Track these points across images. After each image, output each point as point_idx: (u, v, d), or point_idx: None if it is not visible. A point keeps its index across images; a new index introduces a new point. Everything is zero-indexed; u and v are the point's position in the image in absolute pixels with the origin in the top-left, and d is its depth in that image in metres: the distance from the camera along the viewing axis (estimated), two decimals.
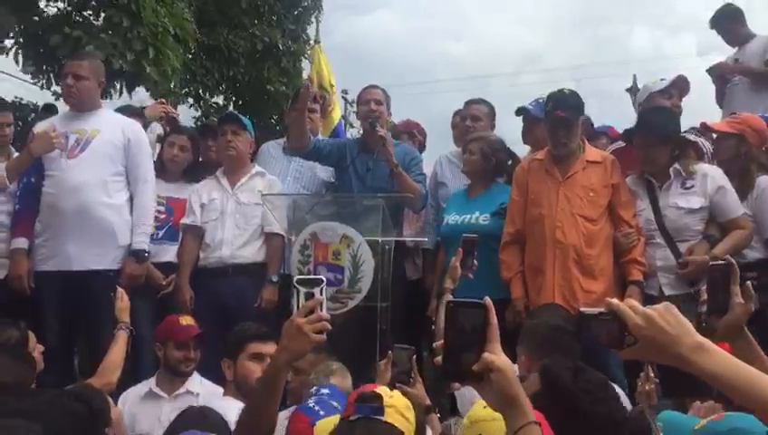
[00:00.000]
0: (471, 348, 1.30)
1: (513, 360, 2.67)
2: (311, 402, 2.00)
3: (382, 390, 1.77)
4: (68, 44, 5.62)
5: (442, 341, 1.33)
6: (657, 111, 3.82)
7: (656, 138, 3.52)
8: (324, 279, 1.91)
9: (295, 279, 1.93)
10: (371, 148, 4.05)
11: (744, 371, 1.24)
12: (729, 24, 5.03)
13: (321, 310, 1.83)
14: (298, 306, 1.85)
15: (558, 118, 3.57)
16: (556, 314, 2.87)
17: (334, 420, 1.82)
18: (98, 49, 5.27)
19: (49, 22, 5.99)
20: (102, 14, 6.05)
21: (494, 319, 1.31)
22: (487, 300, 1.33)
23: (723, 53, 5.27)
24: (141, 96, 6.12)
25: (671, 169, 3.52)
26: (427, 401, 2.64)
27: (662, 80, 4.36)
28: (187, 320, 3.33)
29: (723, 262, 1.96)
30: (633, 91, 4.56)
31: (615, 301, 1.30)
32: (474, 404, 1.85)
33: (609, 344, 1.32)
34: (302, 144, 4.02)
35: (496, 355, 1.27)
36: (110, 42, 5.54)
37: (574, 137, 3.59)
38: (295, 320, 1.82)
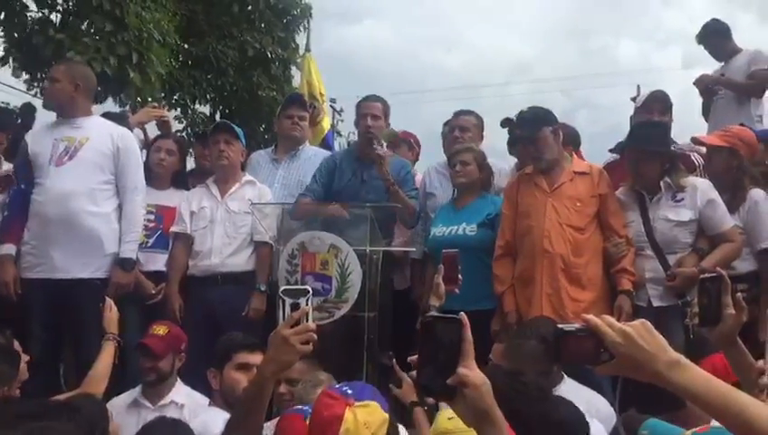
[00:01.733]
0: (447, 363, 1.29)
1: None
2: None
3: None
4: (50, 46, 5.59)
5: (417, 356, 1.33)
6: (649, 125, 3.85)
7: (646, 152, 3.55)
8: (310, 289, 1.91)
9: (281, 289, 1.92)
10: (365, 160, 4.06)
11: (719, 387, 1.25)
12: (716, 39, 5.11)
13: (308, 320, 1.82)
14: (284, 317, 1.84)
15: (519, 137, 3.69)
16: (543, 326, 2.87)
17: None
18: (79, 54, 5.24)
19: (34, 26, 5.95)
20: (87, 20, 6.02)
21: (468, 334, 1.30)
22: (462, 316, 1.32)
23: (707, 66, 5.35)
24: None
25: (662, 183, 3.55)
26: (413, 398, 2.66)
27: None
28: (158, 329, 3.26)
29: (714, 274, 1.98)
30: (636, 100, 4.64)
31: (592, 317, 1.31)
32: (439, 414, 1.85)
33: (585, 360, 1.33)
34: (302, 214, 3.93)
35: (471, 370, 1.27)
36: (94, 46, 5.51)
37: (545, 148, 3.63)
38: (281, 331, 1.80)
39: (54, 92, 3.77)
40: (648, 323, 1.30)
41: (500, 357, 2.65)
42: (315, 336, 1.83)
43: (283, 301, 1.85)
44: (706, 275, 2.00)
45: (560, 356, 1.34)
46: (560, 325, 1.34)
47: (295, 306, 1.83)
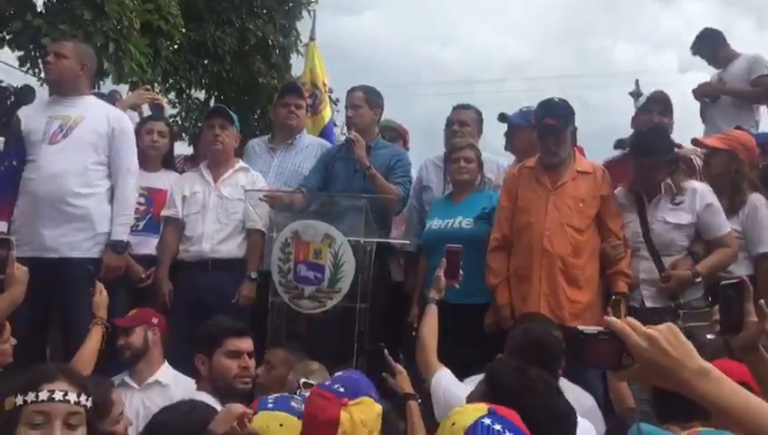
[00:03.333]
0: None
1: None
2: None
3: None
4: (27, 32, 5.50)
5: None
6: (652, 132, 3.78)
7: (655, 163, 3.52)
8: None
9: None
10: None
11: (749, 400, 1.19)
12: (711, 48, 5.14)
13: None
14: None
15: (546, 126, 3.56)
16: (541, 326, 2.84)
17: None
18: (55, 41, 5.15)
19: (16, 5, 5.82)
20: (67, 6, 5.90)
21: None
22: None
23: (703, 70, 5.37)
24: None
25: (662, 184, 3.53)
26: (408, 389, 2.66)
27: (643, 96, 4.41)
28: (133, 311, 3.31)
29: (735, 280, 1.92)
30: (636, 95, 4.58)
31: (615, 320, 1.25)
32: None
33: (605, 364, 1.28)
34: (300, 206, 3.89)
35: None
36: (71, 33, 5.41)
37: (563, 145, 3.58)
38: None
39: (61, 69, 3.70)
40: (676, 327, 1.24)
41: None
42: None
43: None
44: (727, 281, 1.94)
45: (579, 359, 1.27)
46: (581, 328, 1.28)
47: None
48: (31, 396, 1.62)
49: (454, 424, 1.61)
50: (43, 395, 1.63)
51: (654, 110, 4.14)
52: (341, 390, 1.80)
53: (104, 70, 5.57)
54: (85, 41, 5.21)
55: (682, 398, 1.22)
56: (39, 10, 5.84)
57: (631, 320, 1.26)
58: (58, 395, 1.64)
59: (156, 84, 7.26)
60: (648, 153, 3.54)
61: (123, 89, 6.06)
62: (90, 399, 1.70)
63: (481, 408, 1.63)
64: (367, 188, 3.85)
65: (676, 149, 3.71)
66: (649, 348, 1.20)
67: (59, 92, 3.78)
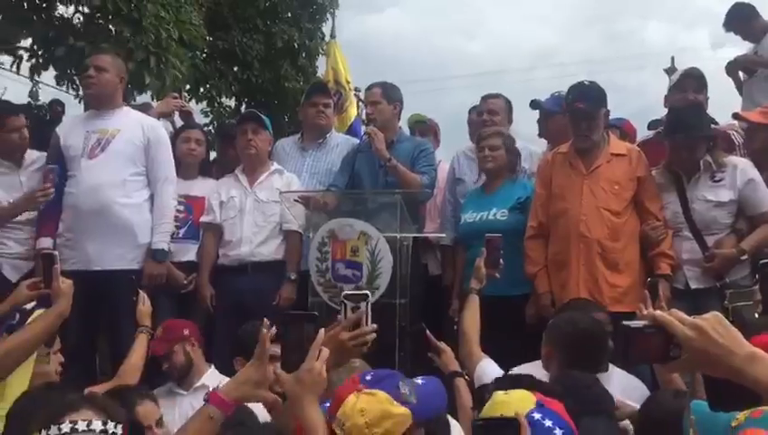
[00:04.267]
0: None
1: (537, 356, 2.67)
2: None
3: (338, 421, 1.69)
4: (73, 55, 5.62)
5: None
6: (688, 109, 3.69)
7: (692, 140, 3.44)
8: (370, 294, 1.96)
9: (343, 294, 1.97)
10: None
11: None
12: (743, 22, 5.01)
13: (367, 323, 1.88)
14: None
15: (578, 109, 3.52)
16: (585, 315, 2.80)
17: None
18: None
19: (57, 29, 5.97)
20: (106, 24, 6.02)
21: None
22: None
23: (737, 45, 5.24)
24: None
25: (701, 162, 3.46)
26: (454, 367, 2.67)
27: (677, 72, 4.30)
28: (157, 332, 3.25)
29: None
30: (670, 72, 4.48)
31: (659, 313, 1.24)
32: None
33: (653, 358, 1.28)
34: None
35: None
36: (114, 51, 5.53)
37: (596, 128, 3.52)
38: (339, 335, 1.85)
39: (102, 83, 3.76)
40: (722, 315, 1.23)
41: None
42: (373, 337, 1.89)
43: (345, 305, 1.90)
44: (766, 260, 1.89)
45: (627, 355, 1.26)
46: (625, 322, 1.26)
47: (356, 311, 1.89)
48: (54, 430, 1.53)
49: (501, 416, 1.60)
50: (66, 427, 1.54)
51: (688, 87, 4.04)
52: (368, 378, 1.78)
53: (147, 84, 5.68)
54: (126, 57, 5.34)
55: (734, 385, 1.21)
56: (80, 31, 5.96)
57: (676, 311, 1.25)
58: (81, 425, 1.54)
59: (185, 93, 7.34)
60: (685, 130, 3.46)
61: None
62: (118, 425, 1.59)
63: (528, 398, 1.60)
64: (392, 182, 3.85)
65: (713, 126, 3.62)
66: (697, 338, 1.19)
67: (96, 106, 3.86)
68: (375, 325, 1.89)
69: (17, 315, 2.67)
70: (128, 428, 1.64)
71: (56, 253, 2.74)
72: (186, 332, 3.24)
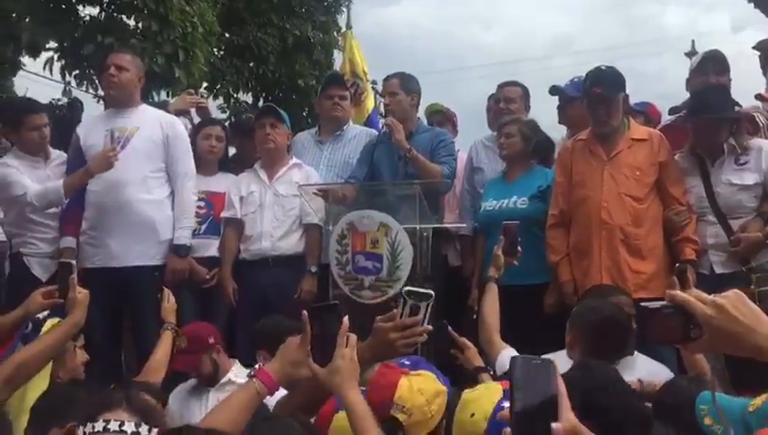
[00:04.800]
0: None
1: (556, 345, 2.66)
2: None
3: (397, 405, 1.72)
4: (101, 52, 5.68)
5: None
6: (711, 90, 3.64)
7: (715, 121, 3.39)
8: (432, 294, 1.89)
9: (405, 289, 1.92)
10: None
11: None
12: None
13: (423, 323, 1.83)
14: (402, 316, 1.84)
15: (595, 95, 3.48)
16: (607, 302, 2.78)
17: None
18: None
19: (84, 28, 6.04)
20: (133, 20, 6.08)
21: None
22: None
23: (757, 28, 5.13)
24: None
25: (725, 145, 3.40)
26: (478, 363, 2.66)
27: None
28: (179, 344, 3.16)
29: None
30: (692, 55, 4.40)
31: (678, 292, 1.22)
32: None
33: (674, 339, 1.24)
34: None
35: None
36: (141, 46, 5.57)
37: (615, 113, 3.48)
38: (390, 334, 1.82)
39: (124, 81, 3.80)
40: (743, 293, 1.20)
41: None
42: (425, 338, 1.84)
43: (405, 301, 1.85)
44: None
45: (646, 336, 1.25)
46: (643, 304, 1.24)
47: (415, 309, 1.83)
48: (88, 427, 1.55)
49: (473, 415, 1.57)
50: (99, 426, 1.54)
51: (710, 70, 3.97)
52: (406, 363, 1.83)
53: (177, 78, 5.72)
54: (154, 51, 5.38)
55: (756, 364, 1.18)
56: (108, 29, 6.02)
57: (695, 290, 1.23)
58: (113, 426, 1.54)
59: (202, 90, 7.38)
60: (708, 111, 3.41)
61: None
62: (153, 429, 1.58)
63: (495, 389, 1.59)
64: (415, 174, 3.84)
65: (737, 108, 3.56)
66: (717, 316, 1.17)
67: (116, 105, 3.89)
68: (430, 327, 1.83)
69: (30, 324, 2.65)
70: (164, 432, 1.62)
71: (74, 262, 2.71)
72: (211, 340, 3.21)
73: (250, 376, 1.79)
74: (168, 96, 5.94)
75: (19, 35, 5.74)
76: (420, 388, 1.73)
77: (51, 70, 6.34)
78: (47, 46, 6.26)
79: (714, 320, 1.17)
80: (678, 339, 1.22)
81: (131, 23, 6.03)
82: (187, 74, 5.90)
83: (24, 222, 3.82)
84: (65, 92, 6.36)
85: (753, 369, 1.25)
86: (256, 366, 1.85)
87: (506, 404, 1.46)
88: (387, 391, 1.70)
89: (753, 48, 4.71)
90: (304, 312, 1.77)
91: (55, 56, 6.25)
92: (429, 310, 1.83)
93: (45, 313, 2.65)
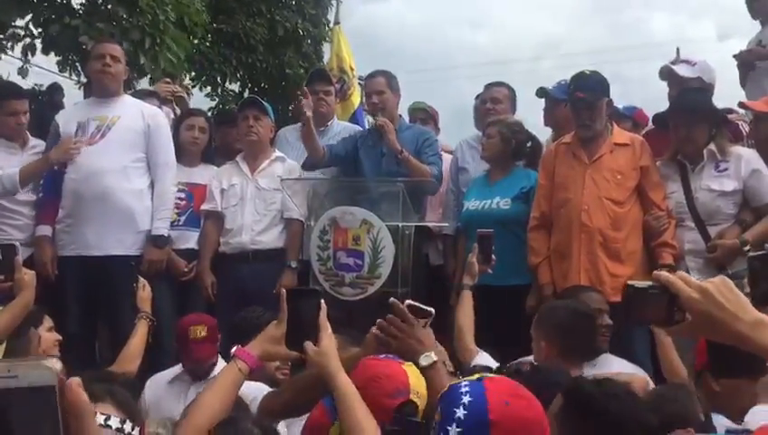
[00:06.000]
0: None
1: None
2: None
3: (413, 391, 1.76)
4: (67, 34, 5.57)
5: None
6: (691, 90, 3.70)
7: (695, 116, 3.41)
8: (433, 313, 1.98)
9: (407, 303, 1.99)
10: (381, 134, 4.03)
11: None
12: None
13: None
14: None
15: (578, 99, 3.50)
16: (570, 303, 2.83)
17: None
18: (93, 39, 5.20)
19: (52, 9, 5.92)
20: (103, 5, 5.97)
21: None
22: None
23: (742, 36, 5.11)
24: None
25: (705, 151, 3.42)
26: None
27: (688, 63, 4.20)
28: (196, 330, 3.09)
29: (763, 252, 1.87)
30: (676, 63, 4.40)
31: (664, 273, 1.21)
32: None
33: (657, 321, 1.25)
34: (317, 156, 3.95)
35: None
36: (108, 31, 5.48)
37: (598, 118, 3.50)
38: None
39: (118, 72, 3.81)
40: (729, 280, 1.19)
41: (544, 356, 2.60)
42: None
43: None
44: (754, 253, 1.88)
45: (629, 315, 1.24)
46: (630, 282, 1.24)
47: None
48: None
49: None
50: None
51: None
52: (390, 356, 1.86)
53: (141, 66, 5.64)
54: (121, 37, 5.30)
55: (738, 352, 1.18)
56: (77, 11, 5.92)
57: (682, 273, 1.22)
58: (99, 419, 1.49)
59: (189, 79, 7.28)
60: (687, 108, 3.44)
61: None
62: (136, 427, 1.55)
63: (473, 377, 1.60)
64: (397, 172, 3.83)
65: (727, 115, 3.60)
66: (702, 300, 1.15)
67: (101, 94, 3.85)
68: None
69: None
70: (144, 429, 1.61)
71: (17, 244, 2.66)
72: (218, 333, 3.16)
73: (231, 356, 1.80)
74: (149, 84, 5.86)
75: None
76: (419, 375, 1.80)
77: (13, 48, 6.20)
78: (14, 24, 6.11)
79: (698, 304, 1.16)
80: (661, 321, 1.22)
81: (105, 7, 5.91)
82: (153, 62, 5.79)
83: None
84: (22, 71, 6.22)
85: (734, 357, 1.25)
86: (234, 349, 1.84)
87: (463, 386, 1.47)
88: (397, 379, 1.74)
89: (734, 57, 4.74)
90: (283, 290, 1.80)
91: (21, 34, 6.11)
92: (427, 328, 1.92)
93: None
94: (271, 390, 2.31)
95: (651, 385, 2.62)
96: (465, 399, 1.43)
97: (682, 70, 3.94)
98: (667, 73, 3.98)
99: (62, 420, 0.58)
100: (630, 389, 1.86)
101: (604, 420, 1.65)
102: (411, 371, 1.79)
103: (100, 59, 3.78)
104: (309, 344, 1.72)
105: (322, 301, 1.77)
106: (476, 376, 1.55)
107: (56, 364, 0.57)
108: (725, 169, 3.39)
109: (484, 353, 2.70)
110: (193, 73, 8.47)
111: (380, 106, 4.04)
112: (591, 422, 1.67)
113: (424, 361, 1.83)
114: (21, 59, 6.22)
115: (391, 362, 1.82)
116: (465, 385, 1.48)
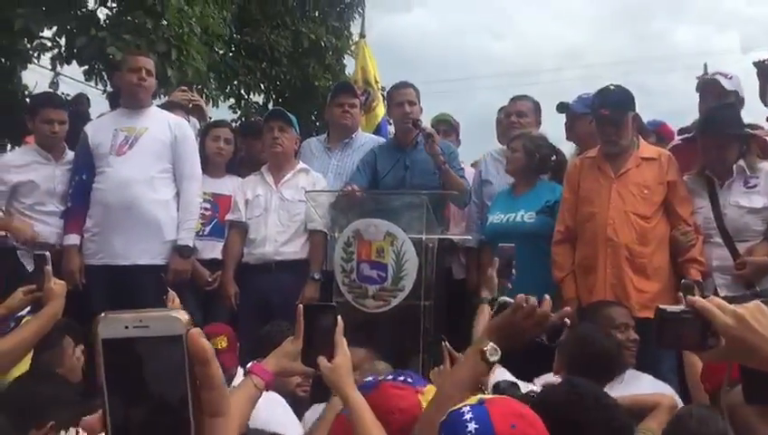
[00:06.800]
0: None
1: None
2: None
3: None
4: (93, 46, 5.65)
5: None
6: (720, 107, 3.65)
7: (725, 137, 3.38)
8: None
9: (501, 299, 1.97)
10: (406, 146, 4.04)
11: None
12: None
13: None
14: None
15: (603, 116, 3.48)
16: (596, 334, 2.78)
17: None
18: (121, 51, 5.27)
19: (79, 20, 6.01)
20: (129, 16, 6.06)
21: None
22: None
23: (767, 48, 5.05)
24: None
25: (734, 166, 3.39)
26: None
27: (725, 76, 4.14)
28: (218, 342, 3.11)
29: None
30: (715, 75, 4.36)
31: (699, 298, 1.20)
32: None
33: (690, 346, 1.23)
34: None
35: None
36: (134, 43, 5.56)
37: (624, 133, 3.47)
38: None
39: (151, 85, 3.91)
40: (763, 305, 1.18)
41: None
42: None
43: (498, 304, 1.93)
44: None
45: (662, 340, 1.21)
46: (662, 307, 1.22)
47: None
48: (71, 432, 1.53)
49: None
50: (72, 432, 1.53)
51: (709, 93, 3.96)
52: (410, 380, 1.84)
53: (168, 77, 5.70)
54: (147, 49, 5.38)
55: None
56: (102, 23, 6.01)
57: (716, 298, 1.21)
58: None
59: (208, 88, 7.35)
60: (717, 129, 3.40)
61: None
62: None
63: (473, 399, 1.59)
64: (421, 183, 3.84)
65: (752, 131, 3.55)
66: (736, 326, 1.14)
67: (129, 106, 3.91)
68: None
69: (11, 324, 2.61)
70: None
71: (47, 253, 2.66)
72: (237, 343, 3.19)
73: (245, 373, 1.81)
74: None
75: (12, 21, 5.63)
76: None
77: (39, 58, 6.31)
78: (42, 36, 6.21)
79: (732, 329, 1.15)
80: (694, 346, 1.21)
81: (131, 19, 5.99)
82: (180, 74, 5.86)
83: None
84: (53, 84, 6.32)
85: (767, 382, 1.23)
86: (249, 365, 1.85)
87: (466, 412, 1.46)
88: (410, 413, 1.72)
89: (754, 64, 4.68)
90: (300, 306, 1.79)
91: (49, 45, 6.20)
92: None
93: (27, 309, 2.61)
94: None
95: (680, 404, 2.59)
96: (471, 426, 1.40)
97: (725, 82, 3.90)
98: (704, 84, 3.93)
99: (189, 368, 0.61)
100: (597, 394, 1.84)
101: (571, 427, 1.64)
102: (426, 402, 1.77)
103: (137, 72, 3.84)
104: (323, 360, 1.72)
105: (339, 317, 1.76)
106: (476, 399, 1.52)
107: (184, 315, 0.60)
108: (755, 186, 3.36)
109: (502, 368, 2.68)
110: (217, 84, 8.55)
111: (412, 116, 4.05)
112: (558, 425, 1.65)
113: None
114: (50, 69, 6.33)
115: (409, 392, 1.79)
116: (468, 411, 1.45)
